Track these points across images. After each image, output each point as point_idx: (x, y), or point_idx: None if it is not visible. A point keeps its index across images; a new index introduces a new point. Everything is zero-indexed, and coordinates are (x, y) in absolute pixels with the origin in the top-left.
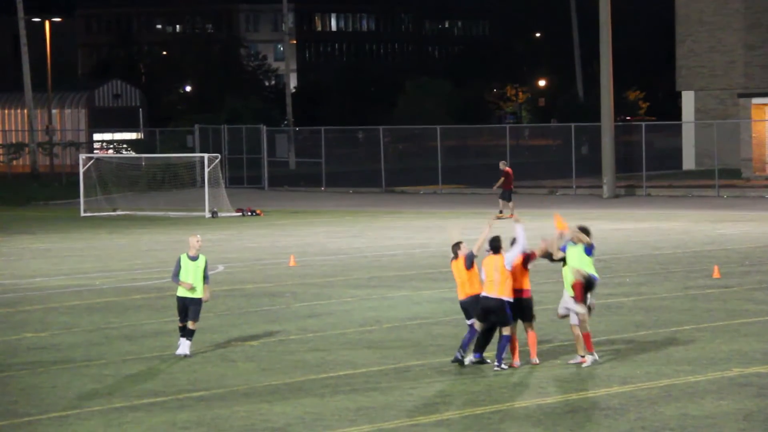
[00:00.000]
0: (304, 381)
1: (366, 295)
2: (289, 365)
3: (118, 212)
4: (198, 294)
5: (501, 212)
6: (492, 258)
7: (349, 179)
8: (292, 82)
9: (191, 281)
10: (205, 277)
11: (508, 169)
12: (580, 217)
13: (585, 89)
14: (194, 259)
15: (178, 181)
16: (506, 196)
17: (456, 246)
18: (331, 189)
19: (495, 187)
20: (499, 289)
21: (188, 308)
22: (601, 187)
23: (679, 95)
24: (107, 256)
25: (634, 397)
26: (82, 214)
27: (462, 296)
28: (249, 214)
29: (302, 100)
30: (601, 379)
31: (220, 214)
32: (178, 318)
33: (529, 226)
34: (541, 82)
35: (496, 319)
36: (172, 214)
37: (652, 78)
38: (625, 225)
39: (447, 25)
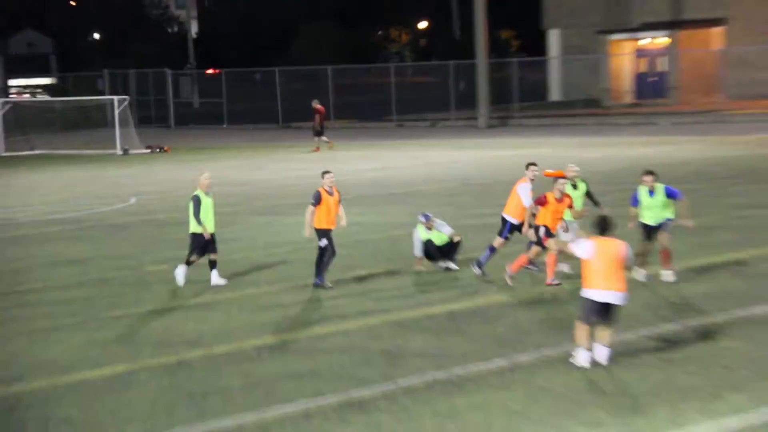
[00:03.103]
0: (213, 300)
1: (267, 222)
2: (199, 286)
3: (36, 151)
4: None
5: (318, 147)
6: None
7: (249, 116)
8: (194, 29)
9: (211, 217)
10: None
11: (319, 107)
12: (458, 146)
13: (462, 30)
14: (209, 195)
15: (91, 122)
16: (318, 131)
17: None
18: (233, 126)
19: (315, 124)
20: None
21: (210, 243)
22: (477, 118)
23: (545, 33)
24: (27, 192)
25: (507, 306)
26: (3, 153)
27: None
28: (158, 150)
29: (204, 45)
30: (482, 288)
31: (131, 152)
32: (195, 253)
33: (414, 155)
34: (422, 24)
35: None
36: (86, 152)
37: (522, 18)
38: (499, 152)
39: None
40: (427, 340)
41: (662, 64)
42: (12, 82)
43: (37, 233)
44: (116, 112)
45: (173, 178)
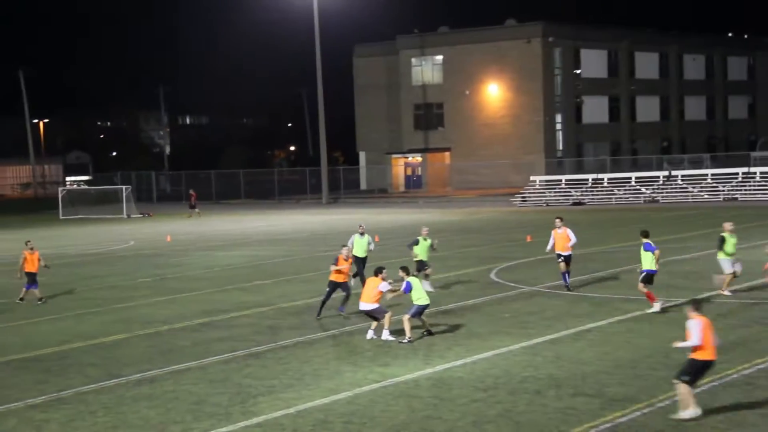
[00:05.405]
0: (175, 298)
1: (211, 253)
2: (169, 290)
3: (80, 216)
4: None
5: (190, 215)
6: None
7: (199, 196)
8: (168, 150)
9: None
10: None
11: (193, 193)
12: (311, 213)
13: (313, 150)
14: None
15: (109, 200)
16: (192, 206)
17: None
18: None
19: (192, 201)
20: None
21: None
22: (321, 198)
23: (358, 154)
24: (75, 238)
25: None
26: (61, 217)
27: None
28: (147, 216)
29: (174, 160)
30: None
31: (132, 216)
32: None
33: (286, 217)
34: (292, 147)
35: None
36: (106, 216)
37: (345, 144)
38: (333, 217)
39: (243, 122)
40: (294, 320)
41: (419, 171)
42: (68, 178)
43: (77, 261)
44: (124, 195)
45: (155, 230)
